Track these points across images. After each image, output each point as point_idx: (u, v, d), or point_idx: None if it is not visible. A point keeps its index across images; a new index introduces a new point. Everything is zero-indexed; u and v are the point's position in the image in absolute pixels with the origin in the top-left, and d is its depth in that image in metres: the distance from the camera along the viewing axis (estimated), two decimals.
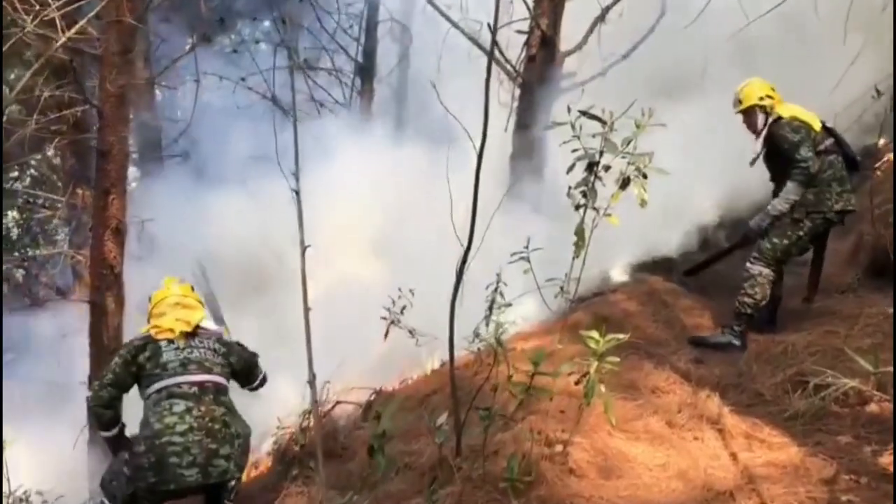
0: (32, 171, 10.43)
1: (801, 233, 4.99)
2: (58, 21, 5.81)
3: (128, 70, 7.31)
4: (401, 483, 3.75)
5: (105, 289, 7.44)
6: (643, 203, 2.88)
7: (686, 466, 3.51)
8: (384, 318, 4.56)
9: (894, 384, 3.92)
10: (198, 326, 4.02)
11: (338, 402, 5.28)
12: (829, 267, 6.20)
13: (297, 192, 2.65)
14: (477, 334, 5.00)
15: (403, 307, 4.63)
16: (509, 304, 4.49)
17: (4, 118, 7.34)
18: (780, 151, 4.94)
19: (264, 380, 4.36)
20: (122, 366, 3.87)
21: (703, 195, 6.83)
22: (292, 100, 2.65)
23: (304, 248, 2.71)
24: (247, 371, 4.22)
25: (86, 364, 7.67)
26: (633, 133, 2.88)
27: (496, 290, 4.43)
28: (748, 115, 5.12)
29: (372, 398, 5.20)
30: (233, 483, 3.77)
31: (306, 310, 2.73)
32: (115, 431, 3.93)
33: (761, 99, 5.01)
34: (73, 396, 8.46)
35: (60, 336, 10.14)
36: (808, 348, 4.65)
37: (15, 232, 11.61)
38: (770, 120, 5.01)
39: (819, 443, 3.63)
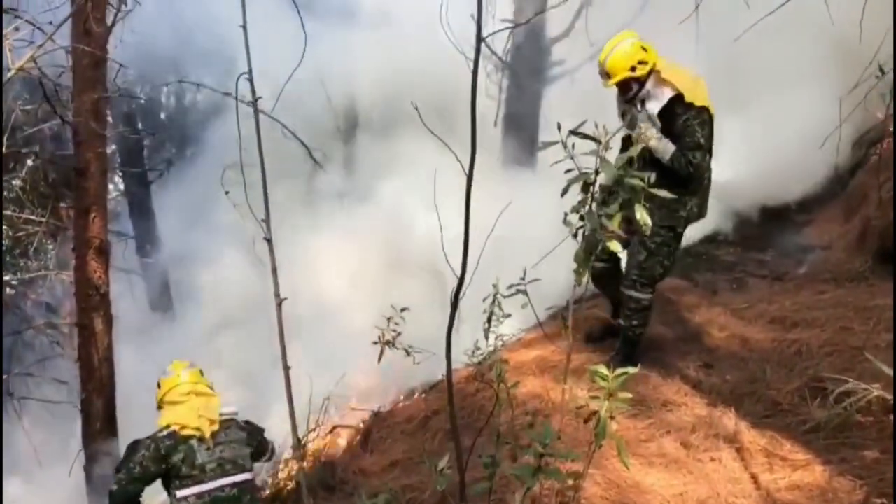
0: (19, 182, 10.17)
1: (678, 246, 4.46)
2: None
3: (101, 83, 7.05)
4: None
5: (91, 310, 7.23)
6: (645, 226, 2.62)
7: (705, 495, 3.30)
8: (376, 342, 4.31)
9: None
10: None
11: (335, 427, 5.08)
12: (837, 253, 6.02)
13: (269, 240, 2.43)
14: (477, 348, 4.83)
15: (398, 333, 4.38)
16: (508, 315, 4.28)
17: None
18: (673, 133, 4.11)
19: (273, 450, 4.30)
20: (153, 461, 3.73)
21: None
22: (259, 155, 2.39)
23: (279, 301, 2.48)
24: (262, 450, 4.17)
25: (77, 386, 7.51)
26: (629, 150, 2.62)
27: (493, 301, 4.23)
28: (622, 87, 4.20)
29: (370, 421, 4.97)
30: None
31: (286, 367, 2.50)
32: None
33: (633, 69, 4.08)
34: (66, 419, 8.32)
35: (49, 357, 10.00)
36: (824, 348, 4.45)
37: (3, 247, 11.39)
38: (670, 94, 4.10)
39: (844, 459, 3.42)
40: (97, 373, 7.33)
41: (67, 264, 8.75)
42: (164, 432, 3.78)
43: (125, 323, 8.03)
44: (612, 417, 2.86)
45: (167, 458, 3.71)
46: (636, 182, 2.41)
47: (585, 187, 2.75)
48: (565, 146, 2.71)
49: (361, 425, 5.05)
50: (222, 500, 3.72)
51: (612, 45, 4.13)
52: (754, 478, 3.43)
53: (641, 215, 2.53)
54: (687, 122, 4.08)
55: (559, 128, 2.71)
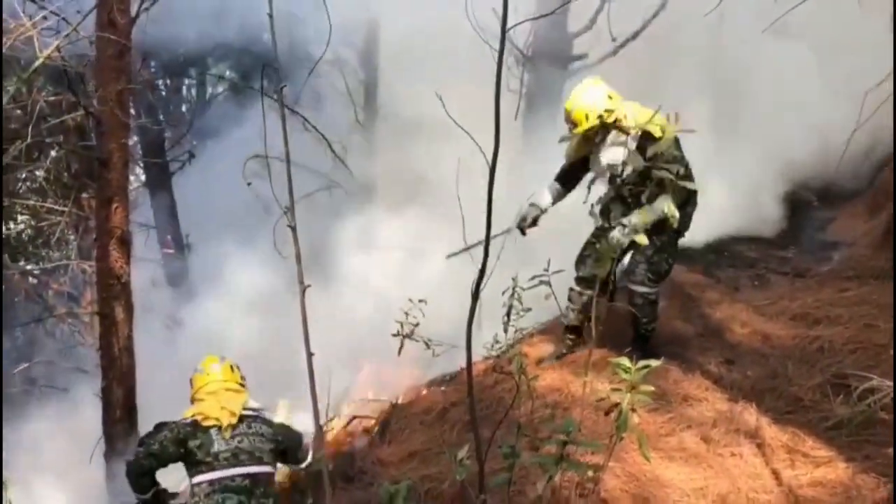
0: (42, 173, 10.27)
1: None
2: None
3: (125, 74, 7.10)
4: None
5: (113, 299, 7.29)
6: (672, 219, 2.61)
7: (726, 490, 3.28)
8: (396, 335, 4.32)
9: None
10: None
11: (353, 418, 5.10)
12: (861, 249, 5.96)
13: (294, 228, 2.44)
14: (497, 341, 4.83)
15: (416, 324, 4.38)
16: (528, 310, 4.28)
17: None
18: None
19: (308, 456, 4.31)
20: (172, 442, 3.79)
21: (724, 183, 6.53)
22: (285, 143, 2.40)
23: (303, 288, 2.49)
24: (294, 450, 4.15)
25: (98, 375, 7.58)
26: (658, 143, 2.61)
27: (513, 294, 4.22)
28: (587, 135, 4.23)
29: (389, 412, 4.98)
30: None
31: (309, 354, 2.51)
32: (149, 495, 3.90)
33: (600, 118, 4.09)
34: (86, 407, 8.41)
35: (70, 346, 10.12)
36: (847, 345, 4.41)
37: (25, 237, 11.52)
38: (633, 133, 3.97)
39: (868, 456, 3.39)
40: (118, 361, 7.40)
41: (89, 254, 8.84)
42: (188, 420, 3.85)
43: (145, 313, 8.08)
44: (633, 410, 2.85)
45: (185, 443, 3.76)
46: (665, 174, 2.40)
47: (612, 179, 2.74)
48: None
49: (379, 416, 5.05)
50: (233, 489, 3.72)
51: (579, 94, 4.19)
52: (776, 473, 3.40)
53: (669, 207, 2.54)
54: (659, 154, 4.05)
55: (586, 118, 2.71)
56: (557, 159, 4.87)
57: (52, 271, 10.63)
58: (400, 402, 5.12)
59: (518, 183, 5.16)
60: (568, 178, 4.56)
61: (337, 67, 9.07)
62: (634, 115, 4.09)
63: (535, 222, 4.56)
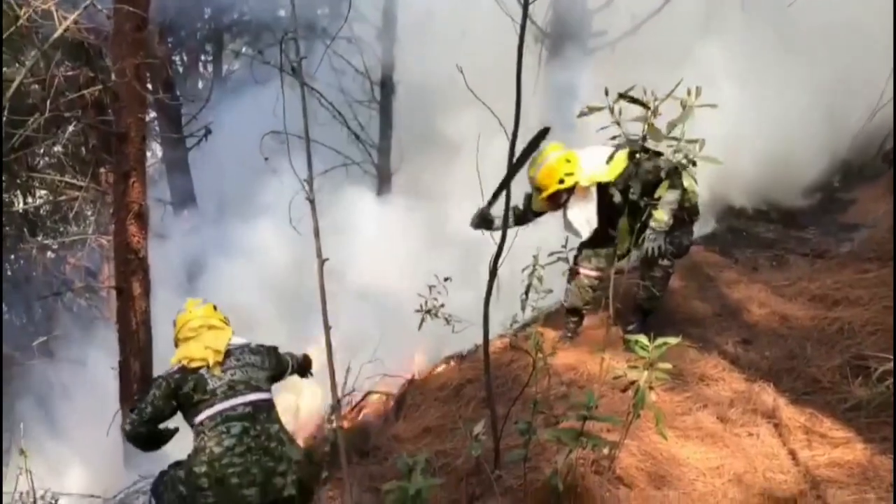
0: (59, 149, 10.30)
1: None
2: None
3: (142, 48, 7.09)
4: (435, 490, 3.55)
5: (130, 274, 7.34)
6: (693, 195, 2.58)
7: (742, 469, 3.26)
8: (418, 310, 4.31)
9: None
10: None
11: (369, 393, 5.11)
12: (882, 232, 5.88)
13: (312, 201, 2.42)
14: (514, 318, 4.81)
15: (441, 304, 4.36)
16: (550, 291, 4.24)
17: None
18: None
19: (298, 363, 4.29)
20: (162, 399, 3.78)
21: (746, 157, 6.46)
22: (304, 115, 2.38)
23: (321, 262, 2.48)
24: (278, 364, 4.14)
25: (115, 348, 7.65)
26: (679, 117, 2.57)
27: (532, 273, 4.20)
28: (553, 197, 4.56)
29: (404, 388, 4.99)
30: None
31: (327, 327, 2.51)
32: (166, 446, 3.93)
33: (561, 182, 4.45)
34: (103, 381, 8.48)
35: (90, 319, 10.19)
36: (866, 327, 4.35)
37: (44, 212, 11.58)
38: (591, 190, 4.47)
39: (886, 438, 3.34)
40: (135, 335, 7.46)
41: (106, 229, 8.89)
42: (174, 368, 3.84)
43: (161, 287, 8.11)
44: (650, 388, 2.84)
45: (177, 392, 3.76)
46: (689, 148, 2.36)
47: (632, 155, 2.71)
48: (612, 111, 2.67)
49: (395, 392, 5.06)
50: (234, 417, 3.71)
51: (540, 161, 4.47)
52: (793, 454, 3.38)
53: (690, 184, 2.52)
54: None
55: (606, 93, 2.67)
56: (575, 137, 4.84)
57: (69, 246, 10.71)
58: (415, 378, 5.12)
59: None
60: (522, 216, 4.74)
61: (354, 43, 9.01)
62: (591, 167, 4.40)
63: (486, 225, 4.60)
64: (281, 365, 4.15)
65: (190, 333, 3.92)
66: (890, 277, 4.96)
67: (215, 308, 4.09)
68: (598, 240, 4.64)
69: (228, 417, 3.70)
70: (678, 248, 4.51)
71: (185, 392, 3.76)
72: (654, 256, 4.29)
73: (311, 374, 4.37)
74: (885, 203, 6.29)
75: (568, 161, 4.45)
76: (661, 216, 3.82)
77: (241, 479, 3.59)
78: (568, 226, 4.60)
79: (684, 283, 5.44)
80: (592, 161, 4.44)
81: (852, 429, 3.48)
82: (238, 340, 3.99)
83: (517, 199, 4.61)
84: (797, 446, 3.43)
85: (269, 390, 3.90)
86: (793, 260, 5.89)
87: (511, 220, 4.62)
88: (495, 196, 4.35)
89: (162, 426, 3.86)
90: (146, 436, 3.82)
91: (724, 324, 4.90)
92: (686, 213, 4.42)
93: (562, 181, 4.45)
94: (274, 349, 4.16)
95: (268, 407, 3.83)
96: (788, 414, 3.66)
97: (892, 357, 3.71)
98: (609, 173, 4.39)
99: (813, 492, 3.04)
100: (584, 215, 4.55)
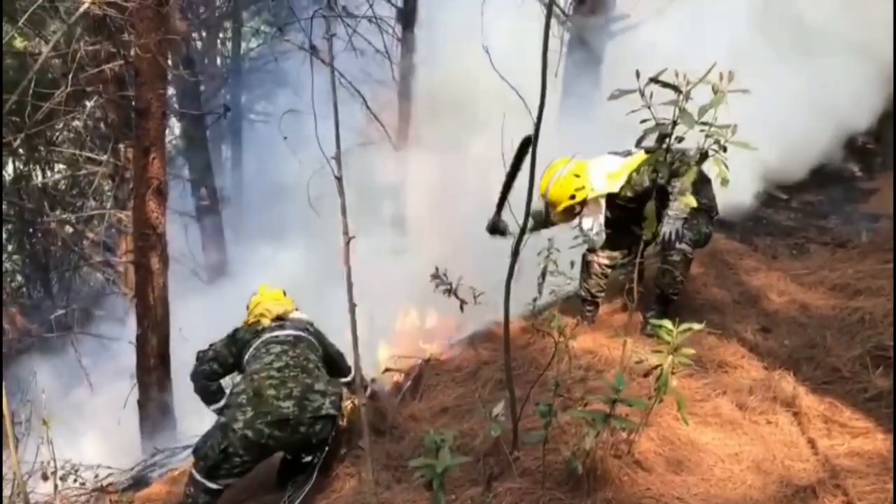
0: (79, 123, 10.34)
1: None
2: None
3: (164, 24, 7.08)
4: (455, 469, 3.57)
5: (149, 249, 7.39)
6: (725, 182, 2.56)
7: (761, 456, 3.26)
8: (437, 286, 4.30)
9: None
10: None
11: (386, 370, 5.13)
12: None
13: (340, 179, 2.42)
14: (535, 301, 4.80)
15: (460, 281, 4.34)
16: (571, 280, 4.22)
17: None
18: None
19: (350, 383, 4.49)
20: (224, 346, 4.25)
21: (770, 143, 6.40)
22: (332, 91, 2.37)
23: (348, 239, 2.48)
24: (334, 361, 4.41)
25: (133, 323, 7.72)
26: (711, 102, 2.55)
27: (548, 256, 4.18)
28: (566, 212, 4.63)
29: (421, 367, 5.01)
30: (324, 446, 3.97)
31: (352, 305, 2.52)
32: (221, 404, 4.15)
33: (573, 197, 4.52)
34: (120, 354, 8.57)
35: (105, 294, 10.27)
36: (888, 317, 4.31)
37: (63, 186, 11.65)
38: (601, 201, 4.59)
39: None
40: (152, 310, 7.52)
41: (125, 204, 8.94)
42: (238, 327, 4.33)
43: (179, 263, 8.17)
44: (673, 372, 2.84)
45: (234, 338, 4.23)
46: (721, 133, 2.35)
47: (661, 139, 2.69)
48: (643, 95, 2.64)
49: (413, 372, 5.08)
50: (276, 342, 4.05)
51: (549, 177, 4.53)
52: (812, 442, 3.37)
53: (720, 168, 2.50)
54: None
55: (637, 76, 2.64)
56: (597, 119, 4.82)
57: (88, 220, 10.79)
58: (433, 358, 5.13)
59: (557, 142, 5.10)
60: (543, 223, 4.74)
61: (375, 24, 8.97)
62: (601, 180, 4.52)
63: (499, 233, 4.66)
64: (336, 359, 4.43)
65: (261, 310, 4.32)
66: None
67: (284, 293, 4.50)
68: (613, 240, 4.75)
69: (269, 342, 4.07)
70: (697, 235, 4.52)
71: (240, 337, 4.21)
72: (672, 241, 4.30)
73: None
74: None
75: (577, 176, 4.53)
76: (690, 201, 3.83)
77: (277, 392, 3.77)
78: (581, 234, 4.70)
79: (703, 270, 5.41)
80: (602, 172, 4.56)
81: (872, 419, 3.47)
82: (303, 316, 4.41)
83: (520, 200, 4.61)
84: (816, 435, 3.42)
85: (315, 340, 4.24)
86: (813, 249, 5.85)
87: (531, 224, 4.66)
88: (500, 204, 4.39)
89: (222, 381, 4.27)
90: (209, 374, 4.20)
91: (743, 311, 4.87)
92: (707, 201, 4.47)
93: (573, 196, 4.53)
94: (338, 351, 4.46)
95: (308, 343, 4.16)
96: (808, 403, 3.64)
97: None
98: (616, 185, 4.54)
99: (832, 481, 3.02)
100: (596, 225, 4.65)
